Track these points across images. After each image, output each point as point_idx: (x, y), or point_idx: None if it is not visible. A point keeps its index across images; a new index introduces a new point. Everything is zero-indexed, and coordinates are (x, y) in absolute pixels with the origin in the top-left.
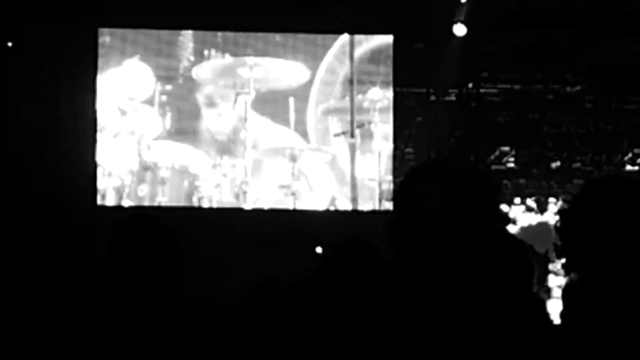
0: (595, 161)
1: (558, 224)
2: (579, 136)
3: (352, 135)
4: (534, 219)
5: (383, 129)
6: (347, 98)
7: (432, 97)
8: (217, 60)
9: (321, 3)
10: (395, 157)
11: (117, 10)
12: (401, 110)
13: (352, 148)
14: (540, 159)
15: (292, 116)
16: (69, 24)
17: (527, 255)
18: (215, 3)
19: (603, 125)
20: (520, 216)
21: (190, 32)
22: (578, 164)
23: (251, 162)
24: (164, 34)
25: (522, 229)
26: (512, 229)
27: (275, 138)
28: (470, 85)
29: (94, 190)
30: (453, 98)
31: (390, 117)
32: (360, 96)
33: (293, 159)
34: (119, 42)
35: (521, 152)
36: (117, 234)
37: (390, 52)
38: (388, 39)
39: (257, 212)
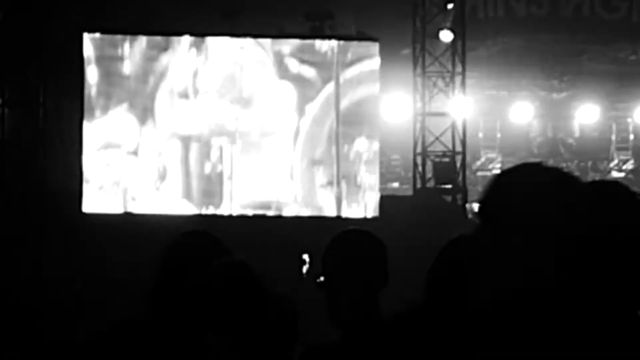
0: (581, 167)
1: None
2: (565, 142)
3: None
4: None
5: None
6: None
7: (418, 103)
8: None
9: (308, 11)
10: (382, 163)
11: (102, 16)
12: (387, 117)
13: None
14: None
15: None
16: (54, 27)
17: None
18: (201, 9)
19: (589, 131)
20: None
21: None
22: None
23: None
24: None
25: None
26: None
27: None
28: (456, 91)
29: (79, 196)
30: (439, 104)
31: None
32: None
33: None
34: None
35: (507, 159)
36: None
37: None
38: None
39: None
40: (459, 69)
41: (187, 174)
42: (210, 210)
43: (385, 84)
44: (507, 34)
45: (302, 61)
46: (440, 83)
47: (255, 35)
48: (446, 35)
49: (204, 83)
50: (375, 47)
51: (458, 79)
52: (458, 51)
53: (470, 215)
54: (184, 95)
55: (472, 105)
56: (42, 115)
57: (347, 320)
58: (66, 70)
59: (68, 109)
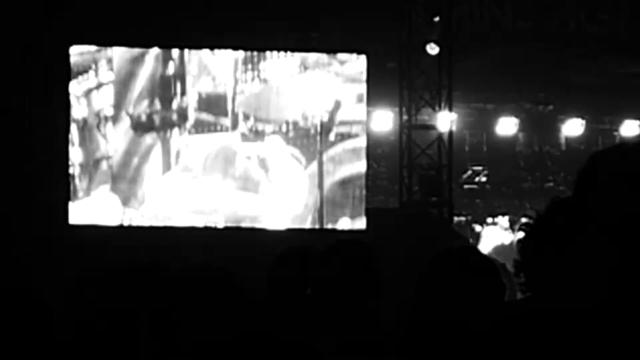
0: (567, 181)
1: (520, 241)
2: (551, 155)
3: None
4: (506, 238)
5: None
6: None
7: (405, 116)
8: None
9: (295, 22)
10: (368, 176)
11: (88, 28)
12: (374, 129)
13: None
14: (512, 178)
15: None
16: (41, 39)
17: (499, 274)
18: (188, 22)
19: (576, 144)
20: (492, 235)
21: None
22: (550, 184)
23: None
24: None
25: (495, 248)
26: (484, 247)
27: None
28: (443, 104)
29: (65, 208)
30: (426, 117)
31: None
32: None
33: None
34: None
35: (493, 172)
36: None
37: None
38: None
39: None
40: (445, 82)
41: None
42: None
43: (371, 96)
44: (493, 47)
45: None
46: (426, 96)
47: (237, 48)
48: (432, 48)
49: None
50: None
51: (444, 92)
52: (444, 64)
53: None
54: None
55: (459, 118)
56: (27, 125)
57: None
58: (52, 81)
59: (54, 121)
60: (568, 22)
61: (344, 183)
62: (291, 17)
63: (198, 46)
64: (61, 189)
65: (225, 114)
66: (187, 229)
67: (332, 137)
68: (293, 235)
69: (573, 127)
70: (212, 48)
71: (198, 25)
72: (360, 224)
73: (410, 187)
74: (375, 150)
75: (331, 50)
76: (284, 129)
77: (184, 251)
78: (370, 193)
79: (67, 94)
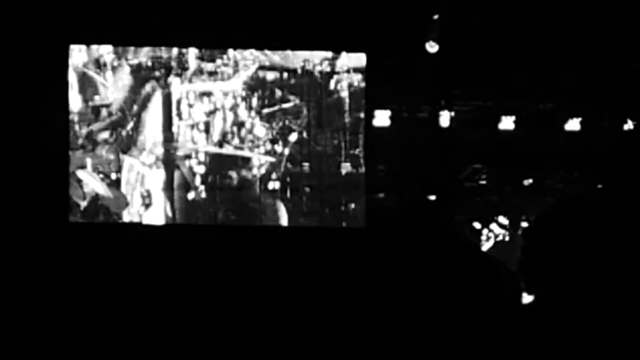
0: (566, 179)
1: (522, 242)
2: (551, 154)
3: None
4: (506, 236)
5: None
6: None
7: (405, 115)
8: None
9: (293, 20)
10: (367, 174)
11: (89, 28)
12: (373, 128)
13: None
14: (512, 177)
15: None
16: (40, 39)
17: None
18: (188, 19)
19: (575, 143)
20: (492, 233)
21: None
22: (550, 182)
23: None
24: None
25: (494, 246)
26: (485, 246)
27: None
28: (442, 102)
29: (66, 205)
30: (425, 115)
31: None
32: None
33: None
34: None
35: (493, 170)
36: None
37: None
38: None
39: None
40: (445, 80)
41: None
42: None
43: (370, 94)
44: (493, 45)
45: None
46: (426, 94)
47: (235, 47)
48: (432, 46)
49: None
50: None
51: (444, 90)
52: (444, 62)
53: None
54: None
55: (458, 116)
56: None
57: None
58: (51, 80)
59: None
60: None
61: None
62: (289, 15)
63: (196, 44)
64: (62, 184)
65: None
66: (183, 227)
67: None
68: (291, 231)
69: (573, 125)
70: (209, 47)
71: (197, 24)
72: (359, 221)
73: (410, 186)
74: (374, 148)
75: (331, 48)
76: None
77: (183, 251)
78: (369, 191)
79: (65, 91)
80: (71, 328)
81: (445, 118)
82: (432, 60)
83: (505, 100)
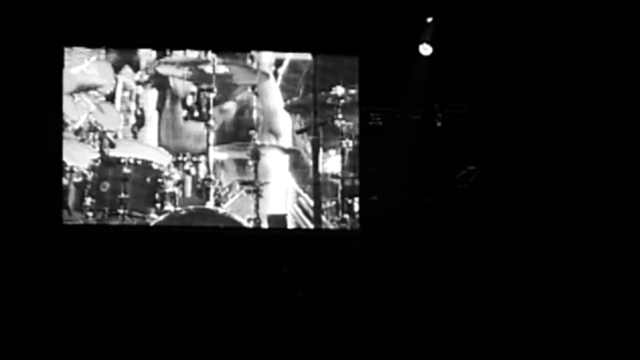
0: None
1: None
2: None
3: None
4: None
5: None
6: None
7: (398, 116)
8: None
9: (284, 22)
10: (362, 174)
11: (83, 30)
12: (367, 130)
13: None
14: (508, 176)
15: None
16: (34, 42)
17: None
18: (180, 21)
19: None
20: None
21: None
22: None
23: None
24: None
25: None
26: None
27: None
28: (436, 103)
29: (59, 207)
30: (419, 117)
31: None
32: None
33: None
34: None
35: (488, 170)
36: None
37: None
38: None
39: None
40: (439, 81)
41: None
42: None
43: (365, 96)
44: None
45: None
46: (420, 96)
47: (227, 48)
48: (425, 49)
49: None
50: None
51: (438, 91)
52: (437, 64)
53: None
54: None
55: (453, 117)
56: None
57: None
58: (45, 81)
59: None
60: None
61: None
62: (282, 16)
63: (187, 46)
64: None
65: None
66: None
67: None
68: (286, 234)
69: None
70: (202, 49)
71: (188, 24)
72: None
73: (406, 187)
74: (368, 151)
75: (322, 50)
76: None
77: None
78: (364, 193)
79: (59, 96)
80: (69, 328)
81: (439, 119)
82: (426, 62)
83: (499, 101)
